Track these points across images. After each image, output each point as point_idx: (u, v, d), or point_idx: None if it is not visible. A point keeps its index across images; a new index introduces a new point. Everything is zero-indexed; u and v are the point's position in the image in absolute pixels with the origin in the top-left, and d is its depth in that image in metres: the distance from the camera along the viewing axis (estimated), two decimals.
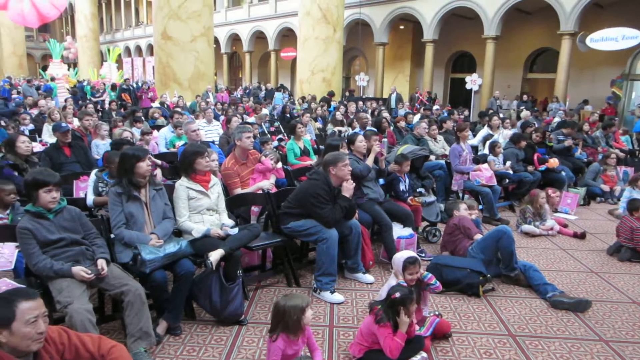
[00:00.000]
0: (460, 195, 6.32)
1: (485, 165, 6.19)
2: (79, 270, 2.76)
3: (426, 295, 3.20)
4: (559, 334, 3.30)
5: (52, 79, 17.15)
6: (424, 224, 5.31)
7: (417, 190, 5.25)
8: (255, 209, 4.30)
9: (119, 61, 34.97)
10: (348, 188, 3.82)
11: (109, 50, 22.20)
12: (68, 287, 2.69)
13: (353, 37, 20.68)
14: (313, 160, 6.13)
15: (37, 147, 6.00)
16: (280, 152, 6.36)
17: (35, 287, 2.83)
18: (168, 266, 3.10)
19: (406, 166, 4.94)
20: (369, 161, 4.55)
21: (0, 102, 10.77)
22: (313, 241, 3.86)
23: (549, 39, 17.43)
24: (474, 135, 8.41)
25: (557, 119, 11.61)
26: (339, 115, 8.90)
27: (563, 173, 7.03)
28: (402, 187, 4.89)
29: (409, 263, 3.01)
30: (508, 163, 6.60)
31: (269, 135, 7.19)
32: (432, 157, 6.61)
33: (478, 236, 4.26)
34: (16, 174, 4.34)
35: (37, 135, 7.26)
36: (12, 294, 1.90)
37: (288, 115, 10.81)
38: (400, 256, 3.10)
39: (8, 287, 2.77)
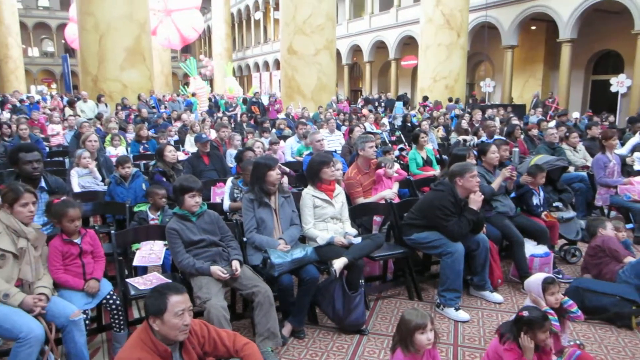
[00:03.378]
0: (606, 211, 5.63)
1: (638, 179, 5.44)
2: (217, 269, 3.00)
3: (565, 323, 2.89)
4: None
5: (193, 95, 19.05)
6: (562, 242, 4.83)
7: (554, 204, 4.80)
8: (377, 218, 4.30)
9: (248, 77, 37.80)
10: (476, 200, 3.63)
11: (227, 68, 23.95)
12: (207, 284, 2.94)
13: (478, 41, 19.76)
14: (436, 170, 5.96)
15: (181, 155, 6.69)
16: (402, 162, 6.31)
17: (179, 282, 3.15)
18: (294, 271, 3.22)
19: (541, 178, 4.53)
20: (495, 184, 4.25)
21: (151, 116, 12.22)
22: (437, 254, 3.74)
23: None
24: (622, 144, 7.46)
25: None
26: (464, 124, 8.55)
27: None
28: (535, 200, 4.51)
29: (548, 283, 2.75)
30: None
31: (390, 145, 7.16)
32: (571, 169, 6.00)
33: (629, 259, 3.76)
34: (164, 179, 4.88)
35: (180, 145, 8.12)
36: (164, 288, 2.13)
37: (409, 124, 10.67)
38: (535, 279, 2.83)
39: (158, 280, 3.13)
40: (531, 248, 4.15)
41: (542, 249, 4.16)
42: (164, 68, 32.47)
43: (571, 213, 4.84)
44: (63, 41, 37.47)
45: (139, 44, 13.28)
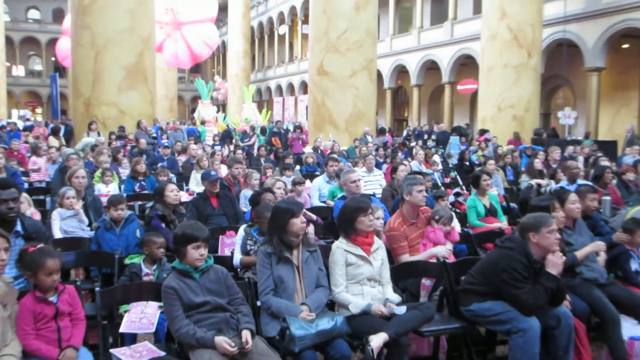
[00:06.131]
0: None
1: None
2: (222, 341, 2.96)
3: None
4: None
5: (203, 123, 19.56)
6: None
7: None
8: (426, 282, 4.21)
9: (269, 102, 38.67)
10: (555, 263, 3.53)
11: (246, 91, 24.63)
12: (210, 359, 2.90)
13: (555, 62, 19.76)
14: (502, 222, 5.89)
15: (184, 196, 6.78)
16: (458, 211, 6.22)
17: (175, 354, 3.13)
18: (319, 346, 3.17)
19: None
20: (581, 254, 4.12)
21: (150, 147, 12.54)
22: (505, 331, 3.61)
23: None
24: None
25: None
26: (537, 164, 8.43)
27: None
28: (634, 265, 4.34)
29: None
30: None
31: (443, 189, 7.10)
32: None
33: None
34: (163, 225, 4.94)
35: (184, 184, 8.27)
36: None
37: (467, 163, 10.61)
38: None
39: (150, 353, 3.10)
40: (630, 328, 3.97)
41: None
42: (169, 91, 33.67)
43: None
44: (53, 59, 39.62)
45: (140, 62, 13.85)
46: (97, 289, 3.42)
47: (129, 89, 13.74)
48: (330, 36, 14.84)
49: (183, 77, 47.21)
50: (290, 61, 39.37)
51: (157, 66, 15.86)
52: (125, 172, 8.57)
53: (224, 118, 23.01)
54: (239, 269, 4.25)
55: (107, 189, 7.16)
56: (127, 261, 4.11)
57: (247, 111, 22.93)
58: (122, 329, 3.47)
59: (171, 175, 8.57)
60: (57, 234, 5.02)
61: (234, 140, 16.45)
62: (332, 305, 3.59)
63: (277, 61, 41.05)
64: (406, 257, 4.31)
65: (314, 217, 5.04)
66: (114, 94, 13.63)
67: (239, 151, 10.76)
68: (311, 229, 4.78)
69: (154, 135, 14.22)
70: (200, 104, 22.96)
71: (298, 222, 3.43)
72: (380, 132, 17.61)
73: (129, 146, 12.17)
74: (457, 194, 7.23)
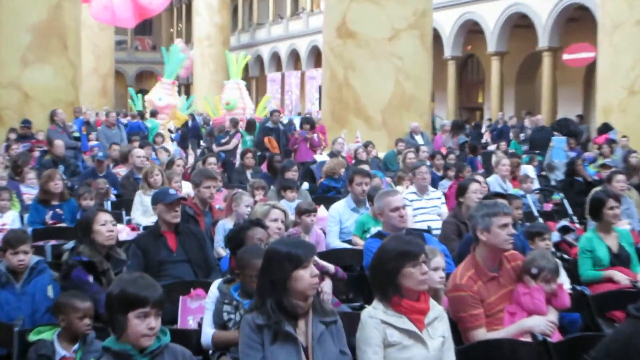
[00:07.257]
0: None
1: None
2: None
3: None
4: None
5: (153, 114, 19.64)
6: None
7: None
8: None
9: (259, 80, 38.78)
10: None
11: (235, 59, 24.29)
12: None
13: None
14: (638, 275, 5.80)
15: (124, 232, 6.78)
16: (567, 257, 6.15)
17: None
18: None
19: None
20: None
21: (71, 153, 12.52)
22: None
23: None
24: None
25: None
26: None
27: None
28: None
29: None
30: None
31: (542, 222, 7.01)
32: None
33: None
34: (91, 279, 4.90)
35: (123, 212, 8.28)
36: None
37: (580, 179, 10.52)
38: None
39: None
40: None
41: None
42: (101, 63, 33.96)
43: None
44: None
45: (56, 20, 14.03)
46: None
47: (37, 61, 13.89)
48: None
49: (124, 42, 47.62)
50: (293, 16, 39.57)
51: (82, 25, 15.96)
52: (31, 192, 8.58)
53: (188, 106, 22.91)
54: (210, 352, 4.22)
55: (1, 221, 7.19)
56: (32, 337, 4.12)
57: (231, 91, 22.53)
58: None
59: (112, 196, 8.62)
60: None
61: (201, 142, 16.48)
62: None
63: (272, 15, 41.30)
64: (482, 333, 4.29)
65: (332, 267, 5.01)
66: (14, 70, 13.80)
67: (212, 159, 10.71)
68: (327, 286, 4.75)
69: (77, 134, 14.28)
70: (158, 83, 22.54)
71: (306, 276, 3.39)
72: (457, 127, 17.63)
73: (38, 151, 12.24)
74: (564, 230, 7.17)
